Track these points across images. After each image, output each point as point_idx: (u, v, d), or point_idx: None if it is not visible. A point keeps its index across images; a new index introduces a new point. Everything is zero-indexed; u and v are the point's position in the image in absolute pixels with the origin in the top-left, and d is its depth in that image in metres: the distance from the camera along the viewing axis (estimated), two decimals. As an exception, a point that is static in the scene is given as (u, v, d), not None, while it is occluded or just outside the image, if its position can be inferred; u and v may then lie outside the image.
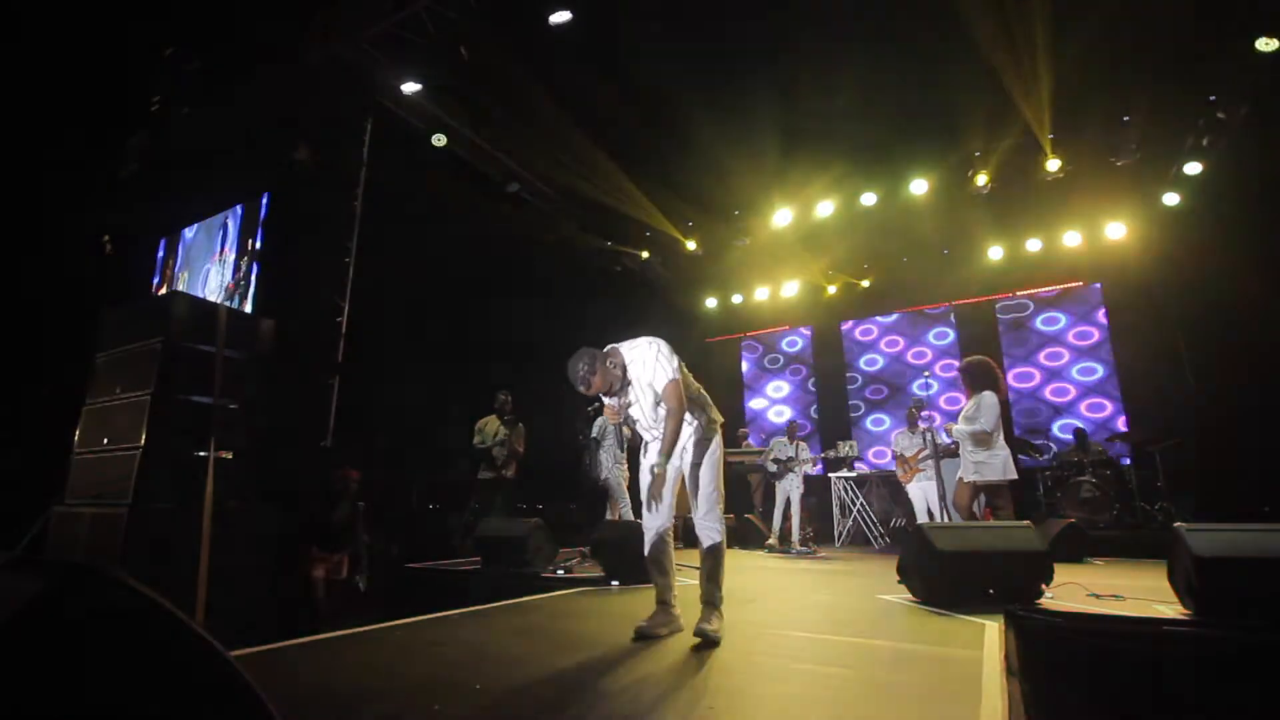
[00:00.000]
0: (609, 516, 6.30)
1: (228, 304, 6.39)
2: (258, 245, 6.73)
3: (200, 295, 7.29)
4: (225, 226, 7.60)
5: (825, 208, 9.05)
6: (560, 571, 5.09)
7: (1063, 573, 4.04)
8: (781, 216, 9.33)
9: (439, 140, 7.48)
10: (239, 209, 7.32)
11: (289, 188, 6.66)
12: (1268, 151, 6.72)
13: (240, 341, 4.16)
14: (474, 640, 3.02)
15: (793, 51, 6.81)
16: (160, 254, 8.79)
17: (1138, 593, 3.86)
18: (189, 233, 8.37)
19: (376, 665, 2.58)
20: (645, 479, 3.09)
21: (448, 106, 7.35)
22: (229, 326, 4.08)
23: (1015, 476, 4.82)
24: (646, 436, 3.19)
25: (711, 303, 12.28)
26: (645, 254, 10.68)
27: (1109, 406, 9.18)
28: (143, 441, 3.69)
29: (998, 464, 4.77)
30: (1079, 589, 3.96)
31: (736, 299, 12.02)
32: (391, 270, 7.14)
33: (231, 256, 7.20)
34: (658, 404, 3.05)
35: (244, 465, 4.11)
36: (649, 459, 3.12)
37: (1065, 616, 3.23)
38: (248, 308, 6.42)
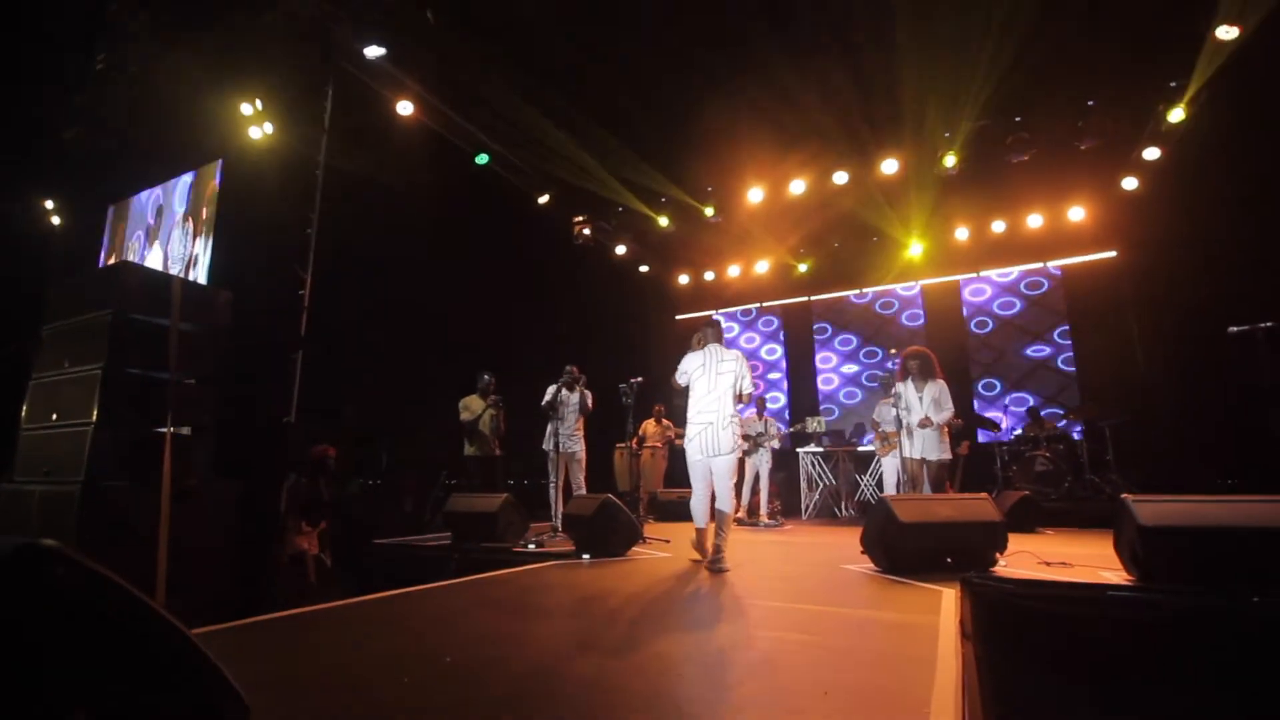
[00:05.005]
0: (578, 489, 6.33)
1: (181, 275, 6.15)
2: (213, 214, 6.46)
3: (152, 266, 7.00)
4: (178, 194, 7.27)
5: (797, 186, 9.06)
6: (531, 546, 5.12)
7: (1016, 542, 4.21)
8: (754, 194, 9.32)
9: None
10: (191, 175, 7.01)
11: (244, 154, 6.38)
12: (1225, 138, 6.93)
13: (196, 314, 4.01)
14: (444, 614, 3.03)
15: (765, 31, 6.75)
16: (108, 222, 8.39)
17: (1085, 560, 4.05)
18: (139, 200, 7.99)
19: (344, 641, 2.57)
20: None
21: (414, 73, 7.10)
22: (184, 298, 3.93)
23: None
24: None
25: (684, 279, 12.27)
26: (616, 228, 10.58)
27: (1064, 384, 9.50)
28: (94, 417, 3.56)
29: (950, 443, 5.39)
30: (1031, 557, 4.14)
31: (709, 276, 12.03)
32: (357, 241, 6.94)
33: (185, 226, 6.91)
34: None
35: (204, 442, 4.00)
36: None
37: (1017, 583, 3.38)
38: (202, 279, 6.18)
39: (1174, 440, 7.62)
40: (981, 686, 2.32)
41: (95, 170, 8.03)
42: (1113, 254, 9.27)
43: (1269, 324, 3.98)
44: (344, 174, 6.61)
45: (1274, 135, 6.43)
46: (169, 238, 7.25)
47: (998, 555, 3.84)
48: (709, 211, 9.79)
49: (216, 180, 6.61)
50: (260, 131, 6.62)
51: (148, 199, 7.80)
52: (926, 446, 5.31)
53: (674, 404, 7.05)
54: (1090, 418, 8.38)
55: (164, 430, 3.69)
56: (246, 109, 6.60)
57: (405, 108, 7.20)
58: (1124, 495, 3.39)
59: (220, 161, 6.64)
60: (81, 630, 1.10)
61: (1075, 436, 8.40)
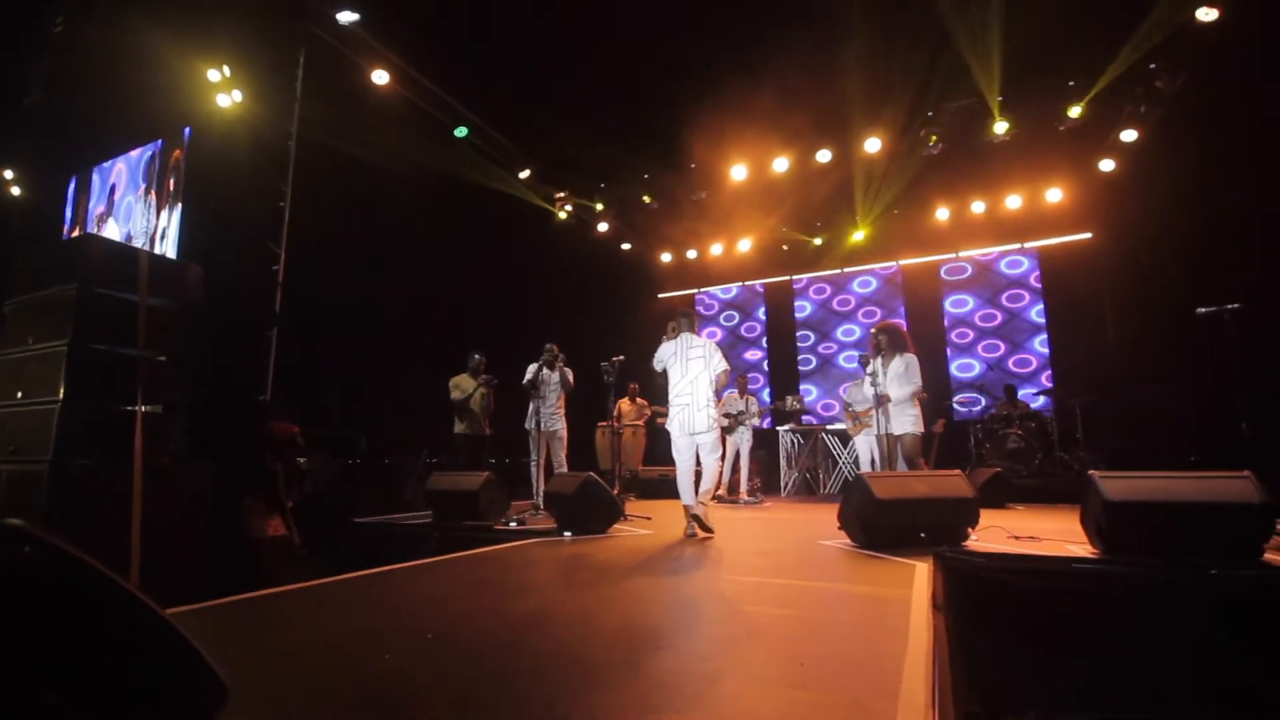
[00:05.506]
0: (559, 468, 6.35)
1: (149, 248, 5.96)
2: (181, 184, 6.25)
3: (118, 238, 6.77)
4: (143, 164, 7.01)
5: (780, 164, 9.03)
6: (513, 524, 5.13)
7: (988, 517, 4.32)
8: (737, 172, 9.27)
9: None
10: (158, 144, 6.75)
11: (212, 123, 6.16)
12: (1201, 122, 7.02)
13: (165, 289, 3.91)
14: (425, 592, 3.04)
15: (753, 10, 6.66)
16: (71, 193, 8.08)
17: (1053, 534, 4.18)
18: (103, 170, 7.69)
19: (324, 619, 2.56)
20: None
21: (390, 40, 6.88)
22: (152, 272, 3.82)
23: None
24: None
25: (666, 258, 12.22)
26: (600, 206, 10.47)
27: (1037, 362, 9.70)
28: (61, 395, 3.47)
29: (923, 418, 5.31)
30: (1001, 531, 4.25)
31: (691, 254, 11.99)
32: (332, 216, 6.77)
33: (152, 197, 6.68)
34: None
35: (176, 420, 3.93)
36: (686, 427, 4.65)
37: (987, 556, 3.48)
38: (171, 253, 6.00)
39: (1142, 418, 7.83)
40: (951, 656, 2.39)
41: (56, 139, 7.70)
42: (1088, 235, 9.42)
43: (1235, 306, 4.09)
44: (318, 146, 6.43)
45: (1248, 119, 6.53)
46: (129, 214, 7.00)
47: (970, 530, 3.94)
48: (692, 188, 9.73)
49: (184, 149, 6.38)
50: (229, 99, 6.39)
51: (110, 170, 7.51)
52: (895, 421, 5.33)
53: (653, 383, 7.08)
54: (1062, 396, 8.58)
55: (134, 408, 3.61)
56: (213, 75, 6.36)
57: (381, 77, 7.00)
58: (1091, 471, 3.49)
59: (187, 131, 6.40)
60: (51, 612, 1.08)
61: (1047, 415, 8.61)
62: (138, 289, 3.74)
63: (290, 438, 5.19)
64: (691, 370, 4.58)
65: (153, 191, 6.71)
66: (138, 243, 6.61)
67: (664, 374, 4.79)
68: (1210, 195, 6.99)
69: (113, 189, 7.34)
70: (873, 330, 5.73)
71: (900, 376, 5.26)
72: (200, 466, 4.06)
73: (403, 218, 7.53)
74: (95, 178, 7.72)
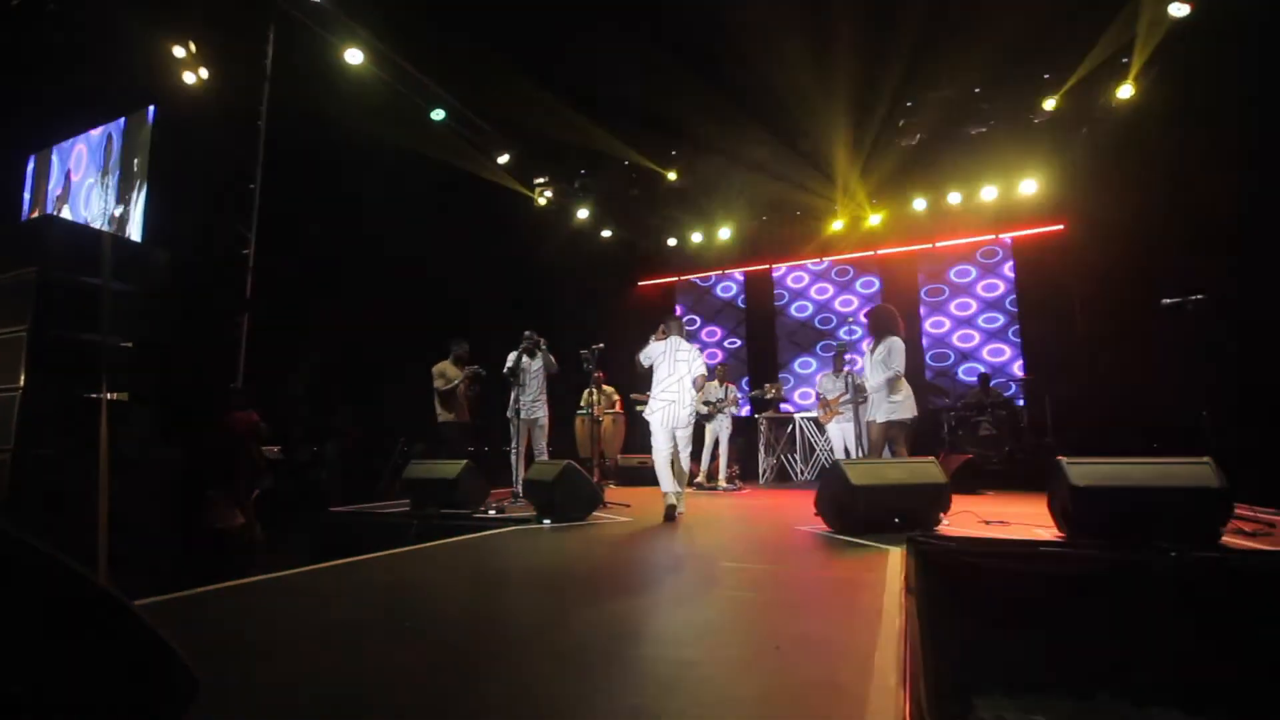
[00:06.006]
0: (540, 455, 6.34)
1: (113, 232, 5.78)
2: (145, 166, 6.05)
3: (80, 221, 6.55)
4: (106, 143, 6.77)
5: (761, 151, 9.02)
6: (492, 512, 5.12)
7: (959, 503, 4.41)
8: (718, 159, 9.24)
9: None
10: (121, 123, 6.52)
11: (179, 101, 5.96)
12: (1171, 115, 7.17)
13: (130, 274, 3.79)
14: (402, 581, 3.02)
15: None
16: (30, 174, 7.78)
17: (1022, 519, 4.29)
18: (63, 150, 7.41)
19: (298, 609, 2.54)
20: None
21: (363, 18, 6.70)
22: (116, 256, 3.70)
23: (916, 413, 5.25)
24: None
25: (646, 244, 12.18)
26: (580, 191, 10.38)
27: (1009, 352, 9.90)
28: (21, 382, 3.36)
29: (909, 403, 5.15)
30: (972, 516, 4.35)
31: (671, 242, 11.97)
32: (304, 199, 6.62)
33: (114, 178, 6.46)
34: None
35: (143, 408, 3.83)
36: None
37: (958, 540, 3.56)
38: (136, 236, 5.82)
39: (1109, 406, 8.05)
40: (923, 637, 2.45)
41: (13, 117, 7.39)
42: (1060, 227, 9.59)
43: (1198, 296, 4.20)
44: (289, 127, 6.26)
45: (1217, 113, 6.67)
46: (87, 198, 6.77)
47: (942, 515, 4.02)
48: (672, 176, 9.68)
49: (149, 129, 6.16)
50: (195, 77, 6.18)
51: (70, 150, 7.24)
52: (874, 407, 5.32)
53: (623, 374, 7.14)
54: (1032, 384, 8.78)
55: (99, 396, 3.51)
56: (179, 52, 6.14)
57: (354, 56, 6.82)
58: (1058, 457, 3.58)
59: (152, 109, 6.18)
60: (14, 605, 1.05)
61: (1019, 403, 8.80)
62: (101, 273, 3.63)
63: (252, 427, 5.08)
64: (678, 370, 5.07)
65: (114, 172, 6.49)
66: (98, 223, 6.40)
67: (648, 369, 5.27)
68: (1179, 187, 7.16)
69: (68, 173, 7.09)
70: (863, 315, 5.73)
71: (880, 362, 5.18)
72: (170, 456, 3.98)
73: (378, 202, 7.39)
74: (54, 158, 7.45)
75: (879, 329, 5.32)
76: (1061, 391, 8.26)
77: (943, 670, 2.82)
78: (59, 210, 7.09)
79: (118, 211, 6.28)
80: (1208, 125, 6.74)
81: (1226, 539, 3.19)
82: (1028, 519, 4.24)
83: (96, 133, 6.90)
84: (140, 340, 3.82)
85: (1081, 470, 3.35)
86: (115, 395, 3.63)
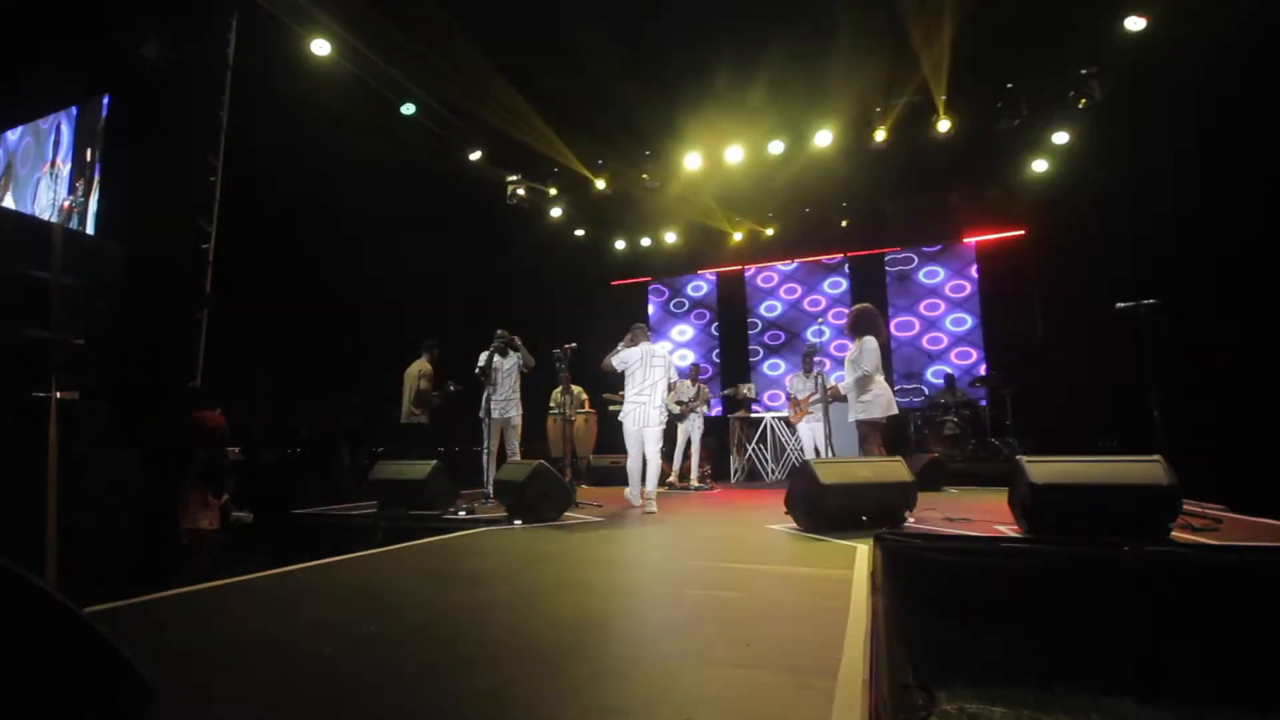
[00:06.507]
0: (512, 455, 6.29)
1: (63, 224, 5.54)
2: (99, 156, 5.81)
3: (28, 213, 6.27)
4: (57, 132, 6.49)
5: (734, 153, 9.08)
6: (462, 513, 5.05)
7: (925, 500, 4.52)
8: (691, 160, 9.28)
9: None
10: (73, 111, 6.26)
11: (136, 89, 5.73)
12: (1127, 126, 7.43)
13: (82, 267, 3.64)
14: (368, 584, 2.96)
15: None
16: (-28, 162, 7.41)
17: (984, 515, 4.40)
18: (10, 138, 7.07)
19: (259, 614, 2.47)
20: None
21: (330, 7, 6.55)
22: (67, 249, 3.55)
23: (895, 412, 5.23)
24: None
25: (620, 245, 12.17)
26: (553, 190, 10.32)
27: (974, 354, 10.16)
28: (-38, 380, 3.20)
29: (880, 402, 5.15)
30: (937, 514, 4.46)
31: (645, 242, 11.98)
32: (267, 193, 6.43)
33: (66, 168, 6.19)
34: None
35: (96, 408, 3.69)
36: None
37: (923, 537, 3.64)
38: (89, 229, 5.58)
39: (1068, 406, 8.31)
40: (888, 632, 2.50)
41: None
42: (1021, 232, 9.88)
43: (1151, 301, 4.36)
44: (252, 119, 6.08)
45: (1173, 122, 6.94)
46: (34, 191, 6.48)
47: (908, 513, 4.11)
48: (646, 176, 9.69)
49: (103, 117, 5.92)
50: (152, 65, 5.95)
51: (22, 135, 6.92)
52: (851, 408, 5.35)
53: (590, 375, 7.19)
54: (994, 385, 9.03)
55: (48, 395, 3.37)
56: (136, 39, 5.90)
57: (321, 47, 6.66)
58: (1018, 456, 3.68)
59: (106, 98, 5.94)
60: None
61: (982, 403, 9.03)
62: (50, 266, 3.47)
63: (218, 428, 4.95)
64: (653, 375, 5.44)
65: (66, 162, 6.23)
66: (48, 215, 6.14)
67: (620, 373, 5.58)
68: (1136, 196, 7.43)
69: (9, 165, 6.79)
70: (847, 315, 5.78)
71: (852, 362, 5.21)
72: (125, 457, 3.83)
73: (345, 197, 7.22)
74: (5, 144, 7.12)
75: (857, 329, 5.30)
76: (1023, 391, 8.51)
77: (907, 664, 2.88)
78: (3, 196, 6.78)
79: (68, 203, 6.02)
80: (1164, 133, 7.01)
81: (1176, 534, 3.32)
82: (990, 516, 4.35)
83: (44, 122, 6.61)
84: (93, 337, 3.68)
85: (1040, 469, 3.46)
86: (65, 394, 3.48)
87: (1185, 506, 3.44)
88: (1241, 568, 2.99)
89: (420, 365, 6.75)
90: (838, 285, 11.21)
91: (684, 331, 12.24)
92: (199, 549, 4.47)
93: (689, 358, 11.69)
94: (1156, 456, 3.35)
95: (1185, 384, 5.74)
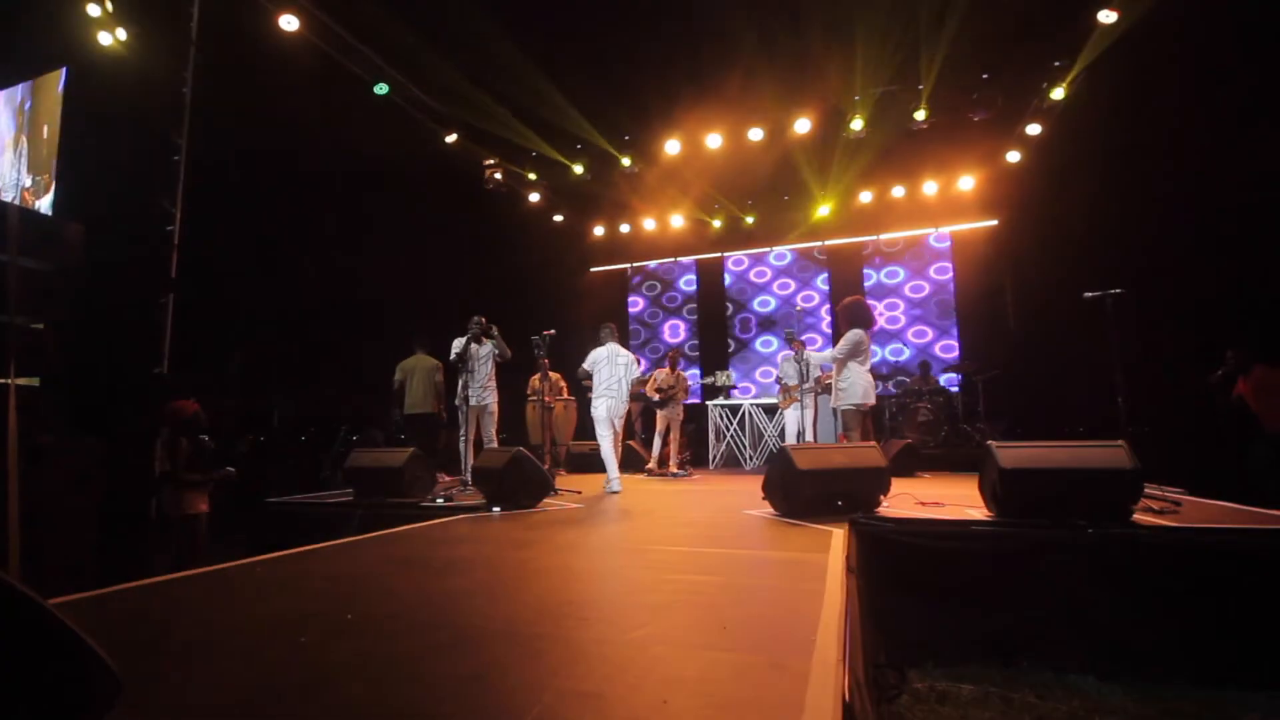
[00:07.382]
0: (489, 443, 6.26)
1: (19, 204, 5.33)
2: (57, 134, 5.58)
3: (-18, 191, 6.02)
4: (11, 109, 6.22)
5: (714, 140, 9.06)
6: (440, 500, 5.02)
7: (898, 485, 4.60)
8: (671, 146, 9.23)
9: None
10: (28, 86, 6.00)
11: (94, 65, 5.51)
12: (1099, 118, 7.56)
13: (40, 250, 3.51)
14: (344, 572, 2.93)
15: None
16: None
17: (956, 500, 4.50)
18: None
19: (232, 603, 2.43)
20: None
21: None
22: (23, 230, 3.42)
23: (873, 402, 5.33)
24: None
25: (599, 231, 12.10)
26: (532, 175, 10.20)
27: (949, 341, 10.34)
28: (-87, 366, 3.08)
29: (855, 390, 5.26)
30: (910, 498, 4.54)
31: (624, 228, 11.92)
32: (235, 174, 6.25)
33: (22, 146, 5.94)
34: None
35: (57, 394, 3.57)
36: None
37: (897, 522, 3.72)
38: (45, 208, 5.38)
39: (1037, 393, 8.52)
40: (862, 614, 2.55)
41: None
42: (994, 222, 10.04)
43: (1118, 290, 4.48)
44: (218, 97, 5.88)
45: (1143, 116, 7.08)
46: (3, 159, 6.21)
47: (882, 498, 4.18)
48: (626, 161, 9.62)
49: (59, 92, 5.68)
50: (111, 38, 5.72)
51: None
52: (833, 395, 5.52)
53: (573, 362, 7.19)
54: (966, 372, 9.21)
55: (5, 381, 3.25)
56: (93, 9, 5.67)
57: (290, 23, 6.44)
58: (989, 442, 3.77)
59: (64, 71, 5.70)
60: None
61: (954, 390, 9.20)
62: (6, 248, 3.34)
63: (195, 415, 4.83)
64: (619, 371, 6.14)
65: (20, 140, 5.98)
66: (6, 197, 5.90)
67: (590, 371, 6.21)
68: (1107, 186, 7.59)
69: (7, 127, 6.49)
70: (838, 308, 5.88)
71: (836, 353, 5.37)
72: (89, 445, 3.73)
73: (316, 178, 7.05)
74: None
75: (847, 323, 5.44)
76: (994, 378, 8.69)
77: (881, 644, 2.95)
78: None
79: (19, 182, 5.79)
80: (1135, 124, 7.15)
81: (1137, 516, 3.44)
82: (961, 500, 4.45)
83: (1, 95, 6.33)
84: (53, 321, 3.55)
85: (1010, 454, 3.54)
86: (25, 380, 3.36)
87: (1147, 490, 3.55)
88: (1198, 548, 3.11)
89: (432, 360, 6.96)
90: (818, 273, 11.30)
91: (662, 317, 12.24)
92: (186, 536, 4.35)
93: (669, 342, 11.70)
94: (1120, 442, 3.45)
95: (1148, 371, 5.91)
